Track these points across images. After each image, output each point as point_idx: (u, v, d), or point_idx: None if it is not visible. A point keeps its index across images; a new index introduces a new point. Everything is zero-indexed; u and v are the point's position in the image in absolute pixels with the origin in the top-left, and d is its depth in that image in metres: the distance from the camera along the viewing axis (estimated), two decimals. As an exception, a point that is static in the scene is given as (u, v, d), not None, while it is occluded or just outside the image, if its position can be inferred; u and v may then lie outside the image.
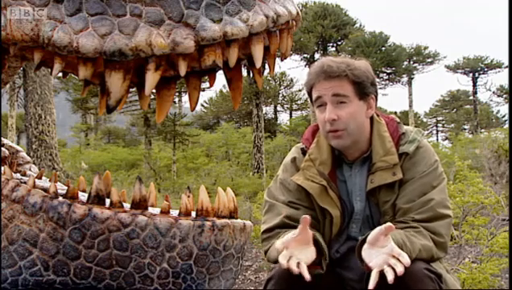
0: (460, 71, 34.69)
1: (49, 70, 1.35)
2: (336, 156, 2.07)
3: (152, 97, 1.65)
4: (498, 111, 37.43)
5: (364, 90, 1.99)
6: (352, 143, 2.00)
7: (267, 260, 2.07)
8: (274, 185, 2.14)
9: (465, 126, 38.01)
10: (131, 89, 1.35)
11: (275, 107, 34.36)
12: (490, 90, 32.95)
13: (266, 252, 2.04)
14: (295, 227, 1.95)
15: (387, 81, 29.42)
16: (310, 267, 1.75)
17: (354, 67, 1.97)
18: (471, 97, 36.07)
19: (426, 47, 32.26)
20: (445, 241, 1.92)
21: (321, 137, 2.09)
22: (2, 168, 1.42)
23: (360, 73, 1.97)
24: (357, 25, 27.64)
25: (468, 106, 37.64)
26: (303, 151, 2.13)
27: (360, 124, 2.00)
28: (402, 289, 1.78)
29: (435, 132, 41.55)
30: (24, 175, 1.74)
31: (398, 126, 2.07)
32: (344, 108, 1.95)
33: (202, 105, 35.25)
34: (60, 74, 1.37)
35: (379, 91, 2.41)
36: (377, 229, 1.75)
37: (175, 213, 1.41)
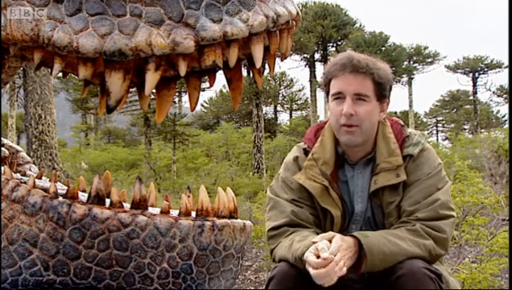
0: (460, 71, 34.72)
1: (49, 70, 1.34)
2: (339, 156, 2.07)
3: (152, 97, 1.64)
4: (498, 111, 37.50)
5: (383, 92, 2.00)
6: (361, 142, 2.00)
7: (272, 259, 2.05)
8: (276, 184, 2.13)
9: (465, 126, 38.02)
10: (131, 89, 1.35)
11: (275, 107, 34.37)
12: (490, 90, 33.00)
13: (272, 250, 2.02)
14: (301, 226, 1.97)
15: (387, 81, 29.41)
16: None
17: (379, 67, 1.99)
18: (471, 97, 36.09)
19: (426, 47, 32.31)
20: (446, 237, 1.92)
21: (325, 136, 2.08)
22: (2, 168, 1.42)
23: (383, 74, 1.99)
24: (357, 25, 27.69)
25: (468, 106, 37.65)
26: (305, 151, 2.12)
27: (373, 124, 2.01)
28: (402, 289, 1.78)
29: (435, 132, 41.57)
30: (24, 175, 1.74)
31: (403, 129, 2.08)
32: (362, 105, 1.96)
33: (202, 105, 35.31)
34: (60, 74, 1.36)
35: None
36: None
37: (175, 213, 1.41)
